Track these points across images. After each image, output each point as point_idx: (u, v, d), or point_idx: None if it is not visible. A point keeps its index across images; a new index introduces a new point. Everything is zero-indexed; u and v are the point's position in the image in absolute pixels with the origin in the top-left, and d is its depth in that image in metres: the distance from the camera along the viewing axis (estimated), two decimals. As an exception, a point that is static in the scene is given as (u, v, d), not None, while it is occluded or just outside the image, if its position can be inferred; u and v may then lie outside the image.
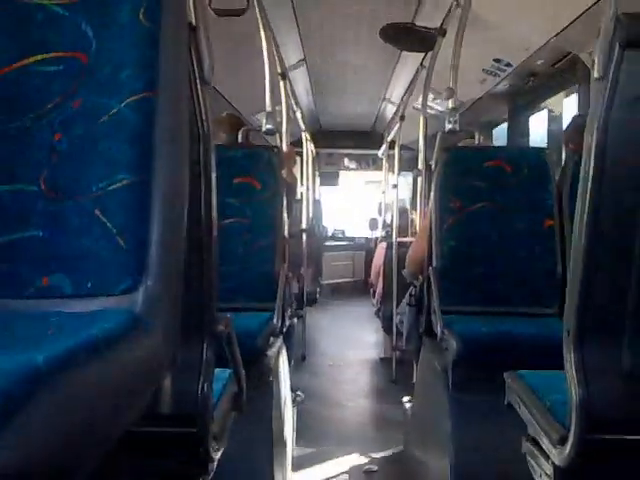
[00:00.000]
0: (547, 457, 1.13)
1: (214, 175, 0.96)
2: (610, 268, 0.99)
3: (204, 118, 0.92)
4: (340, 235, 9.12)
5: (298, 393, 3.18)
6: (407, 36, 3.23)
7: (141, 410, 0.70)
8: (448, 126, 2.49)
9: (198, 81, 0.90)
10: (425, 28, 3.15)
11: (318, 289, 5.97)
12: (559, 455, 1.06)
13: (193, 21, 0.88)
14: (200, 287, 0.94)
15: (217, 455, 1.05)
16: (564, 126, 3.64)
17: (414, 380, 2.65)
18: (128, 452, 0.88)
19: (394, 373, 4.21)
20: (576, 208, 1.01)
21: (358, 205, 10.10)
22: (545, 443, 1.14)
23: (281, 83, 3.23)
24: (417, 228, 3.52)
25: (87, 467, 0.56)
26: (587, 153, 0.98)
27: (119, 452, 0.64)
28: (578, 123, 2.68)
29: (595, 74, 0.98)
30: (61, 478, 0.51)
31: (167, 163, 0.76)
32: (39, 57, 0.77)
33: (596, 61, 0.98)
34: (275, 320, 2.15)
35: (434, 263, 2.28)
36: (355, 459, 2.86)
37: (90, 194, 0.75)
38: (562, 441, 1.04)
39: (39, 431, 0.48)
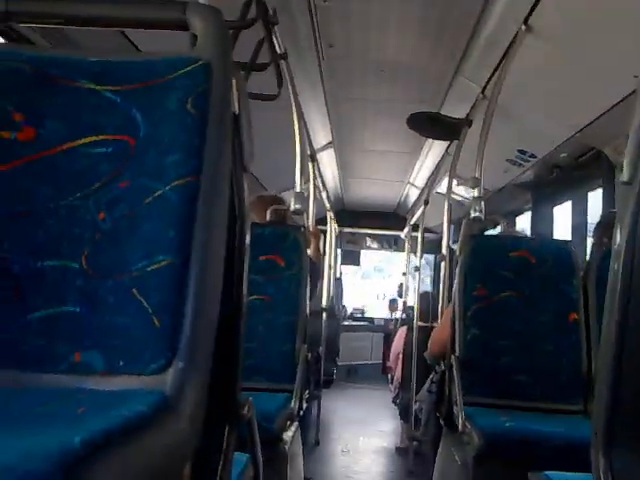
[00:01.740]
0: None
1: (247, 258, 0.97)
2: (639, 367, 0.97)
3: (242, 203, 0.95)
4: (359, 315, 9.04)
5: (311, 480, 3.07)
6: (433, 125, 3.32)
7: None
8: (473, 214, 2.52)
9: (238, 167, 0.93)
10: (451, 118, 3.24)
11: (334, 370, 5.87)
12: None
13: (236, 109, 0.92)
14: (226, 368, 0.94)
15: None
16: (588, 218, 3.66)
17: (432, 473, 2.54)
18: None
19: (411, 464, 4.05)
20: (605, 306, 1.00)
21: (377, 285, 10.09)
22: None
23: (310, 164, 3.31)
24: (439, 312, 3.48)
25: None
26: (616, 253, 0.98)
27: None
28: (606, 220, 2.70)
29: (623, 178, 1.00)
30: None
31: (205, 246, 0.78)
32: (89, 139, 0.81)
33: (625, 165, 1.00)
34: (293, 403, 2.11)
35: (456, 351, 2.25)
36: None
37: (129, 273, 0.76)
38: None
39: None
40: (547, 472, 1.33)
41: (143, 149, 0.80)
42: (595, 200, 3.54)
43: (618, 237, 0.98)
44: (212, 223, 0.80)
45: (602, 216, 2.80)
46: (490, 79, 2.70)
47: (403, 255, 7.63)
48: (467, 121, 3.01)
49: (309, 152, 3.27)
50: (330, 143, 4.31)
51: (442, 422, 2.37)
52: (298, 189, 2.60)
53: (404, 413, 4.54)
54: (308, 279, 2.44)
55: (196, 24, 0.85)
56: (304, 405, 2.46)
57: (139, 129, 0.81)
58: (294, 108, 2.66)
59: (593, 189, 3.53)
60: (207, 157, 0.79)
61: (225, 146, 0.84)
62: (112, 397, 0.68)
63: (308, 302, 2.45)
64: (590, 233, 3.56)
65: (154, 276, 0.75)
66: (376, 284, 10.39)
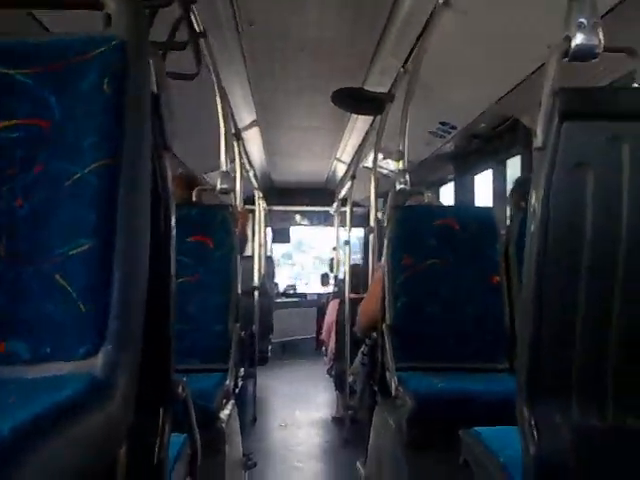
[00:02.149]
0: None
1: (173, 238, 0.96)
2: (557, 325, 1.03)
3: (165, 182, 0.93)
4: (291, 291, 9.08)
5: (249, 456, 3.09)
6: (357, 100, 3.34)
7: (102, 477, 0.68)
8: (399, 186, 2.57)
9: (159, 147, 0.91)
10: (374, 93, 3.27)
11: (269, 347, 5.90)
12: None
13: (155, 88, 0.90)
14: (158, 349, 0.93)
15: None
16: (508, 185, 3.81)
17: (367, 440, 2.62)
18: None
19: (347, 433, 4.15)
20: (523, 268, 1.05)
21: (309, 261, 10.16)
22: None
23: (235, 143, 3.28)
24: (369, 284, 3.56)
25: None
26: (532, 215, 1.03)
27: None
28: (520, 185, 2.82)
29: (536, 144, 1.05)
30: None
31: (128, 228, 0.76)
32: (2, 124, 0.77)
33: (538, 132, 1.05)
34: (228, 381, 2.11)
35: (387, 320, 2.31)
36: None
37: (51, 259, 0.74)
38: None
39: None
40: (477, 428, 1.39)
41: (59, 132, 0.77)
42: (514, 168, 3.69)
43: (533, 200, 1.03)
44: (135, 205, 0.78)
45: (516, 180, 2.91)
46: (411, 54, 2.73)
47: (333, 230, 7.71)
48: (389, 96, 3.05)
49: (233, 131, 3.23)
50: (255, 121, 4.26)
51: (376, 389, 2.43)
52: (224, 168, 2.57)
53: (339, 383, 4.64)
54: (238, 259, 2.43)
55: (110, 3, 0.83)
56: (239, 383, 2.47)
57: (53, 112, 0.78)
58: (216, 87, 2.61)
59: (512, 156, 3.66)
60: (126, 138, 0.77)
61: (144, 126, 0.82)
62: (41, 384, 0.67)
63: (239, 282, 2.45)
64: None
65: (77, 260, 0.74)
66: (308, 260, 10.45)
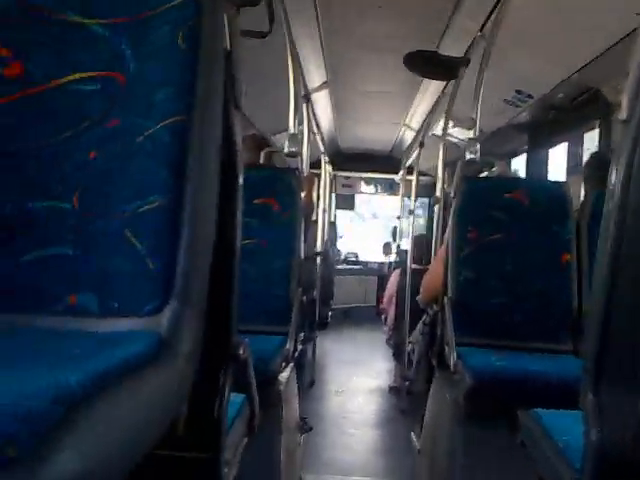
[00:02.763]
0: None
1: (241, 199, 0.96)
2: (631, 309, 0.98)
3: (235, 143, 0.93)
4: (353, 259, 9.10)
5: (306, 420, 3.15)
6: (430, 64, 3.25)
7: (163, 432, 0.69)
8: (468, 156, 2.49)
9: (231, 105, 0.91)
10: (449, 57, 3.17)
11: (330, 313, 5.95)
12: None
13: (228, 46, 0.89)
14: (221, 310, 0.94)
15: None
16: (584, 160, 3.64)
17: (424, 411, 2.61)
18: (139, 474, 0.88)
19: (404, 403, 4.16)
20: (598, 247, 1.00)
21: (373, 229, 10.12)
22: None
23: (304, 105, 3.25)
24: (432, 255, 3.51)
25: None
26: (610, 192, 0.97)
27: (133, 475, 0.63)
28: (596, 160, 2.69)
29: (621, 116, 0.98)
30: None
31: (198, 187, 0.77)
32: (77, 76, 0.78)
33: (623, 104, 0.98)
34: (288, 345, 2.13)
35: (449, 293, 2.27)
36: (362, 490, 2.82)
37: (121, 214, 0.75)
38: None
39: (71, 452, 0.48)
40: (535, 409, 1.36)
41: (133, 86, 0.78)
42: (591, 142, 3.52)
43: (614, 176, 0.97)
44: (204, 163, 0.78)
45: (591, 155, 2.77)
46: (488, 18, 2.62)
47: (397, 199, 7.62)
48: (465, 60, 2.94)
49: (303, 92, 3.21)
50: (325, 83, 4.21)
51: (434, 362, 2.41)
52: (292, 131, 2.56)
53: (397, 353, 4.64)
54: (303, 223, 2.44)
55: None
56: (299, 347, 2.50)
57: (128, 65, 0.78)
58: (288, 46, 2.58)
59: (590, 130, 3.49)
60: (199, 94, 0.77)
61: (217, 83, 0.82)
62: (108, 338, 0.69)
63: (302, 246, 2.46)
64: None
65: (146, 217, 0.75)
66: (371, 228, 10.41)
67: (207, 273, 0.80)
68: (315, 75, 3.94)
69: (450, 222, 2.36)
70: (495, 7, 2.48)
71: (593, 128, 3.41)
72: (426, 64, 3.24)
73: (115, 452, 0.56)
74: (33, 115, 0.78)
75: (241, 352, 1.01)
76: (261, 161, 2.60)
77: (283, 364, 2.09)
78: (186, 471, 0.98)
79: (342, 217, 9.28)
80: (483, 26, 2.71)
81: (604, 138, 3.15)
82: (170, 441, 0.93)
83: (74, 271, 0.76)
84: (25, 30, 0.80)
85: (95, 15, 0.80)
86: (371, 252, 9.18)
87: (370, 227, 10.35)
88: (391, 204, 8.88)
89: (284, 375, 2.11)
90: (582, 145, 3.69)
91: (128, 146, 0.77)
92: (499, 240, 2.29)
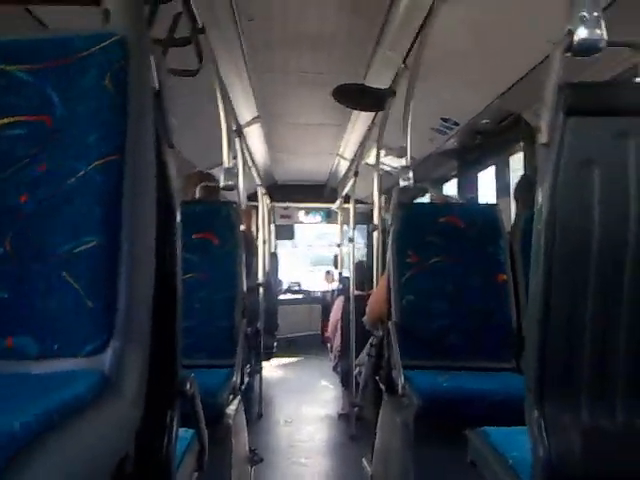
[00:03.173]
0: None
1: (179, 235, 0.96)
2: (565, 325, 1.02)
3: (169, 180, 0.93)
4: (296, 288, 9.09)
5: (255, 452, 3.10)
6: (359, 96, 3.34)
7: (111, 473, 0.68)
8: (402, 183, 2.56)
9: (163, 143, 0.91)
10: (376, 89, 3.26)
11: (275, 343, 5.91)
12: None
13: (156, 85, 0.90)
14: (165, 346, 0.93)
15: None
16: (511, 182, 3.80)
17: (374, 436, 2.62)
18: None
19: (353, 429, 4.16)
20: (531, 267, 1.04)
21: (313, 258, 10.16)
22: None
23: (237, 140, 3.27)
24: (375, 281, 3.55)
25: None
26: (538, 213, 1.02)
27: None
28: (524, 182, 2.81)
29: (541, 140, 1.04)
30: None
31: (134, 224, 0.76)
32: (5, 120, 0.77)
33: (542, 128, 1.04)
34: (235, 377, 2.11)
35: (393, 317, 2.30)
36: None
37: (57, 256, 0.74)
38: None
39: None
40: (483, 428, 1.39)
41: (61, 129, 0.77)
42: (517, 164, 3.67)
43: (540, 197, 1.02)
44: (140, 201, 0.78)
45: (520, 177, 2.90)
46: (410, 49, 2.73)
47: (336, 227, 7.70)
48: (391, 91, 3.04)
49: (235, 127, 3.23)
50: (257, 117, 4.25)
51: (382, 386, 2.43)
52: (227, 165, 2.57)
53: (345, 380, 4.64)
54: (243, 255, 2.43)
55: None
56: (246, 379, 2.47)
57: (56, 109, 0.78)
58: (217, 83, 2.61)
59: (515, 152, 3.65)
60: (129, 134, 0.77)
61: (147, 122, 0.82)
62: (49, 381, 0.67)
63: (244, 278, 2.45)
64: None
65: (83, 257, 0.74)
66: (310, 257, 10.46)
67: (149, 310, 0.80)
68: (246, 110, 3.98)
69: (389, 248, 2.41)
70: (416, 39, 2.58)
71: (518, 151, 3.57)
72: (354, 96, 3.33)
73: None
74: None
75: (188, 387, 1.00)
76: (197, 196, 2.58)
77: (230, 397, 2.07)
78: None
79: (281, 246, 9.29)
80: (406, 57, 2.82)
81: (528, 160, 3.29)
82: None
83: (10, 314, 0.75)
84: None
85: (19, 61, 0.80)
86: (313, 280, 9.21)
87: (306, 255, 10.42)
88: (330, 230, 8.96)
89: (232, 408, 2.08)
90: (509, 168, 3.85)
91: (60, 188, 0.76)
92: (438, 263, 2.35)
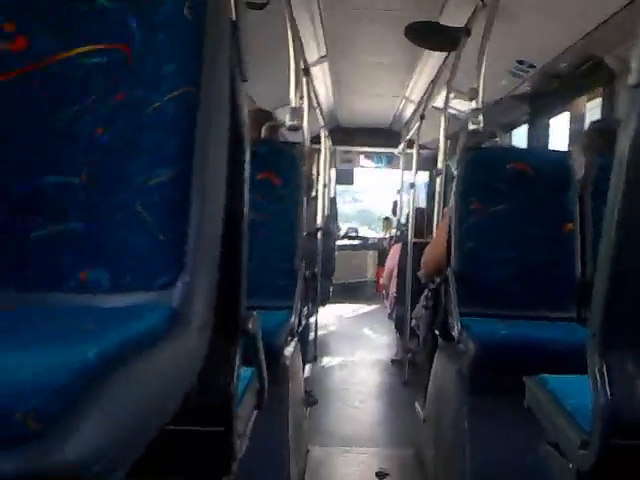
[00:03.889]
0: (567, 462, 1.12)
1: (248, 172, 0.95)
2: (637, 275, 0.98)
3: (241, 116, 0.92)
4: (353, 234, 9.10)
5: (311, 394, 3.18)
6: (432, 35, 3.21)
7: (177, 406, 0.70)
8: (472, 126, 2.48)
9: (237, 78, 0.89)
10: (450, 27, 3.13)
11: (331, 288, 5.97)
12: (581, 459, 1.05)
13: (234, 17, 0.88)
14: (231, 284, 0.94)
15: (240, 454, 1.05)
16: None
17: (426, 382, 2.63)
18: (154, 449, 0.89)
19: (406, 375, 4.20)
20: (605, 214, 1.00)
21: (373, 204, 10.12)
22: (566, 447, 1.13)
23: (304, 79, 3.22)
24: (434, 229, 3.50)
25: (129, 463, 0.57)
26: (619, 159, 0.97)
27: (148, 449, 0.64)
28: (597, 129, 2.66)
29: (631, 80, 0.97)
30: (106, 473, 0.52)
31: (207, 159, 0.76)
32: (83, 49, 0.77)
33: (633, 67, 0.97)
34: (293, 319, 2.14)
35: (452, 264, 2.27)
36: (367, 460, 2.85)
37: (131, 187, 0.75)
38: (584, 445, 1.03)
39: (90, 426, 0.48)
40: (541, 375, 1.37)
41: (139, 58, 0.77)
42: (593, 111, 3.49)
43: (622, 144, 0.96)
44: (213, 135, 0.78)
45: (591, 122, 2.74)
46: (490, -16, 2.58)
47: (397, 172, 7.59)
48: (466, 30, 2.90)
49: (303, 66, 3.17)
50: (324, 56, 4.16)
51: (438, 333, 2.43)
52: (293, 104, 2.53)
53: (399, 326, 4.66)
54: (305, 198, 2.43)
55: None
56: (303, 322, 2.51)
57: (134, 37, 0.77)
58: (287, 18, 2.55)
59: (592, 99, 3.46)
60: (206, 66, 0.76)
61: (223, 55, 0.81)
62: (121, 313, 0.69)
63: (305, 221, 2.45)
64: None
65: (156, 190, 0.74)
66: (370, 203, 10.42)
67: (218, 246, 0.80)
68: (314, 49, 3.90)
69: (453, 193, 2.35)
70: (496, -26, 2.44)
71: (595, 97, 3.38)
72: (427, 35, 3.21)
73: (134, 427, 0.57)
74: (39, 89, 0.77)
75: (250, 326, 1.01)
76: (262, 135, 2.57)
77: (288, 338, 2.10)
78: (199, 444, 0.99)
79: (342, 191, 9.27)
80: (485, -6, 2.67)
81: (606, 107, 3.12)
82: (182, 415, 0.94)
83: (85, 247, 0.76)
84: (28, 4, 0.79)
85: None
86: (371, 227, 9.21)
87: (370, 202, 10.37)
88: (391, 178, 8.86)
89: (289, 349, 2.12)
90: (584, 114, 3.66)
91: (135, 119, 0.76)
92: (502, 211, 2.28)
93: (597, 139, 2.54)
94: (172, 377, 0.68)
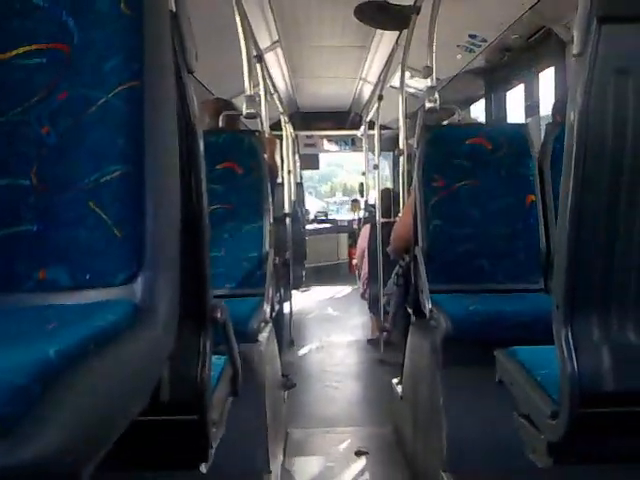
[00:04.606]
0: (539, 432, 1.14)
1: (202, 163, 0.95)
2: (596, 243, 1.00)
3: (191, 107, 0.91)
4: (322, 218, 9.12)
5: (288, 377, 3.19)
6: (382, 14, 3.21)
7: (146, 399, 0.70)
8: (428, 104, 2.49)
9: (182, 69, 0.89)
10: (400, 6, 3.13)
11: (303, 272, 5.99)
12: (551, 429, 1.07)
13: (173, 7, 0.86)
14: (194, 275, 0.94)
15: (216, 441, 1.05)
16: (540, 100, 3.67)
17: (402, 360, 2.67)
18: (128, 441, 0.90)
19: (382, 353, 4.25)
20: (561, 184, 1.02)
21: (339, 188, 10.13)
22: (537, 418, 1.15)
23: (257, 66, 3.20)
24: (401, 208, 3.53)
25: (98, 458, 0.57)
26: (569, 128, 0.98)
27: (120, 441, 0.64)
28: (564, 99, 2.69)
29: (574, 50, 0.99)
30: (74, 469, 0.52)
31: (158, 152, 0.76)
32: (21, 50, 0.76)
33: (575, 38, 0.98)
34: (265, 306, 2.15)
35: (419, 242, 2.30)
36: (346, 440, 2.89)
37: (83, 186, 0.74)
38: (554, 416, 1.05)
39: (54, 424, 0.48)
40: (511, 347, 1.40)
41: (79, 56, 0.75)
42: (547, 82, 3.54)
43: (571, 112, 0.98)
44: (162, 128, 0.77)
45: (561, 94, 2.78)
46: (436, -39, 2.59)
47: (361, 154, 7.61)
48: (415, 8, 2.91)
49: (255, 52, 3.15)
50: (277, 42, 4.14)
51: (410, 311, 2.46)
52: (248, 92, 2.52)
53: (373, 306, 4.71)
54: (269, 185, 2.42)
55: None
56: (276, 307, 2.52)
57: (72, 35, 0.76)
58: (235, 5, 2.52)
59: (544, 69, 3.51)
60: (148, 59, 0.75)
61: (165, 46, 0.80)
62: (82, 310, 0.68)
63: (271, 207, 2.45)
64: (543, 114, 3.59)
65: (109, 187, 0.74)
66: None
67: (177, 239, 0.80)
68: (266, 35, 3.87)
69: (415, 172, 2.37)
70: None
71: (547, 67, 3.43)
72: (377, 15, 3.21)
73: (99, 422, 0.57)
74: None
75: (219, 315, 1.01)
76: (220, 125, 2.55)
77: (262, 325, 2.11)
78: (174, 434, 0.99)
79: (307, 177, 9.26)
80: (432, -30, 2.68)
81: (559, 76, 3.17)
82: (155, 406, 0.94)
83: (40, 247, 0.75)
84: None
85: None
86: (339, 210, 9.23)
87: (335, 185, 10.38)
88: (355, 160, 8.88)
89: (264, 335, 2.13)
90: (538, 85, 3.71)
91: (81, 118, 0.75)
92: (465, 187, 2.31)
93: (558, 109, 2.58)
94: (138, 371, 0.68)
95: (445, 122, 2.79)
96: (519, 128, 2.46)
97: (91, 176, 0.74)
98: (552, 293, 1.08)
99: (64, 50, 0.76)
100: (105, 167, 0.74)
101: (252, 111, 2.47)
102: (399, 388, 2.79)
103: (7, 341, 0.55)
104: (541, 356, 1.25)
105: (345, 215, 9.07)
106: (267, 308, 2.17)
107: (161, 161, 0.76)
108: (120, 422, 0.62)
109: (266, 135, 2.90)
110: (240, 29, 2.57)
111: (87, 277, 0.74)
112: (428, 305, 2.08)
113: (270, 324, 2.34)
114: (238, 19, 2.55)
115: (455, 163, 2.32)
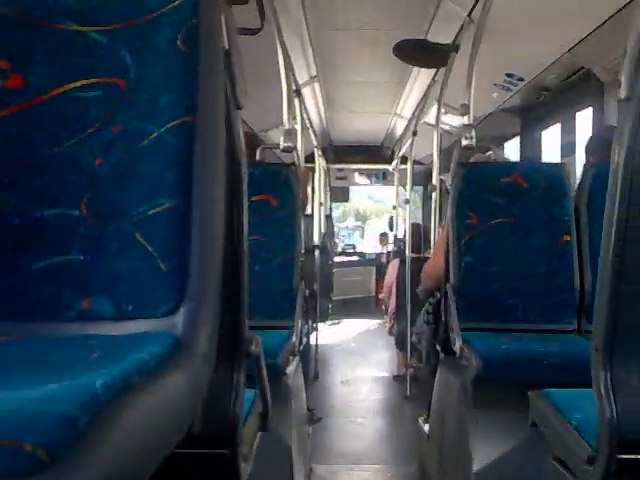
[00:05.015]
0: (575, 477, 1.11)
1: (246, 197, 0.96)
2: (638, 284, 0.99)
3: (238, 142, 0.93)
4: (351, 250, 9.11)
5: (314, 412, 3.16)
6: (420, 52, 3.24)
7: (183, 433, 0.70)
8: (464, 142, 2.49)
9: (232, 105, 0.91)
10: (438, 44, 3.16)
11: (330, 305, 5.96)
12: (588, 475, 1.04)
13: (226, 45, 0.89)
14: (232, 307, 0.94)
15: (245, 477, 1.04)
16: (577, 140, 3.64)
17: (430, 397, 2.62)
18: (158, 474, 0.89)
19: (408, 390, 4.18)
20: (604, 225, 1.01)
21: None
22: (572, 463, 1.12)
23: (295, 100, 3.25)
24: (432, 244, 3.51)
25: None
26: (614, 171, 0.98)
27: (153, 475, 0.64)
28: (600, 136, 2.68)
29: (621, 95, 0.98)
30: None
31: (205, 187, 0.77)
32: (78, 83, 0.78)
33: (622, 82, 0.98)
34: (294, 338, 2.14)
35: (451, 280, 2.28)
36: (370, 478, 2.84)
37: (131, 218, 0.75)
38: (590, 461, 1.03)
39: (99, 456, 0.48)
40: (546, 389, 1.37)
41: (135, 91, 0.78)
42: (583, 122, 3.52)
43: (616, 155, 0.97)
44: (210, 163, 0.78)
45: (596, 132, 2.76)
46: (477, 2, 2.62)
47: (392, 189, 7.62)
48: (454, 46, 2.94)
49: (295, 87, 3.20)
50: (315, 77, 4.20)
51: (439, 349, 2.42)
52: (287, 126, 2.56)
53: (400, 342, 4.65)
54: (302, 217, 2.44)
55: None
56: (304, 340, 2.51)
57: (129, 70, 0.78)
58: (277, 42, 2.58)
59: (582, 109, 3.49)
60: (201, 95, 0.77)
61: (218, 83, 0.82)
62: (124, 341, 0.69)
63: (302, 240, 2.46)
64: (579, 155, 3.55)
65: (156, 220, 0.75)
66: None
67: (219, 271, 0.80)
68: (304, 70, 3.93)
69: (449, 209, 2.36)
70: (483, -9, 2.47)
71: (585, 107, 3.41)
72: (415, 52, 3.23)
73: (139, 454, 0.57)
74: (36, 124, 0.78)
75: (253, 347, 1.01)
76: (257, 158, 2.59)
77: (290, 357, 2.10)
78: (205, 468, 0.99)
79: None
80: (472, 10, 2.71)
81: (596, 117, 3.15)
82: (188, 439, 0.94)
83: (86, 276, 0.76)
84: (23, 40, 0.80)
85: (92, 22, 0.80)
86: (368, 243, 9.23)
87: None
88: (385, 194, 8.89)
89: (291, 368, 2.12)
90: (575, 126, 3.69)
91: (133, 150, 0.77)
92: (499, 225, 2.29)
93: (599, 149, 2.55)
94: (177, 405, 0.68)
95: (472, 159, 2.78)
96: (556, 167, 2.45)
97: (140, 208, 0.75)
98: (590, 335, 1.06)
99: (120, 84, 0.78)
100: (154, 200, 0.75)
101: (290, 144, 2.51)
102: (426, 427, 2.73)
103: (53, 371, 0.56)
104: (576, 399, 1.23)
105: (373, 248, 9.05)
106: (296, 341, 2.17)
107: (208, 195, 0.78)
108: (157, 457, 0.62)
109: (300, 168, 2.93)
110: (282, 64, 2.62)
111: (130, 308, 0.75)
112: (458, 343, 2.05)
113: (297, 357, 2.32)
114: (280, 55, 2.60)
115: (490, 200, 2.31)
